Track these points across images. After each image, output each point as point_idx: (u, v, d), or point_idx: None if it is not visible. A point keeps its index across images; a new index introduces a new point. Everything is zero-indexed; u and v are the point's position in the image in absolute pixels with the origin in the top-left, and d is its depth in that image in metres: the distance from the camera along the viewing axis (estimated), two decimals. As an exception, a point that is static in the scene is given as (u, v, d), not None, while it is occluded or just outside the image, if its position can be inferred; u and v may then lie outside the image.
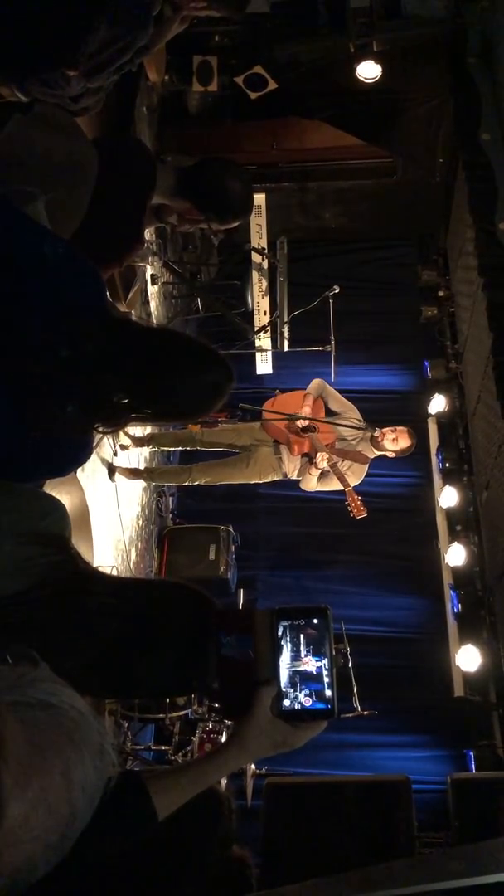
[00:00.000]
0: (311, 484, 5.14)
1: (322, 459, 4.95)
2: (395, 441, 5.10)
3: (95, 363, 1.52)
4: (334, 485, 5.09)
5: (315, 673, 1.22)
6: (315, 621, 1.23)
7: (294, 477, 5.29)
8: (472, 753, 5.89)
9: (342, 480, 4.96)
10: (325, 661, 1.22)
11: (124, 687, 1.53)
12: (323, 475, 5.11)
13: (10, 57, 1.91)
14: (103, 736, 0.85)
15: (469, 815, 4.82)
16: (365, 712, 5.06)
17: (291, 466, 5.24)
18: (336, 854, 4.11)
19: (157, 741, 5.37)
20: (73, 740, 0.79)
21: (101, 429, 1.63)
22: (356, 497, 4.93)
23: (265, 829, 4.40)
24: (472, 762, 5.85)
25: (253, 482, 5.47)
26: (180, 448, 6.04)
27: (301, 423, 5.14)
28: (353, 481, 5.07)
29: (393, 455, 5.19)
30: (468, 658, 5.77)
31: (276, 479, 5.37)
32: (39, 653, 0.92)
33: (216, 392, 1.73)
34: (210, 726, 5.02)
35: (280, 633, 1.22)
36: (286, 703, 1.22)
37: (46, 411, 1.48)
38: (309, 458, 5.14)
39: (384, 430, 5.12)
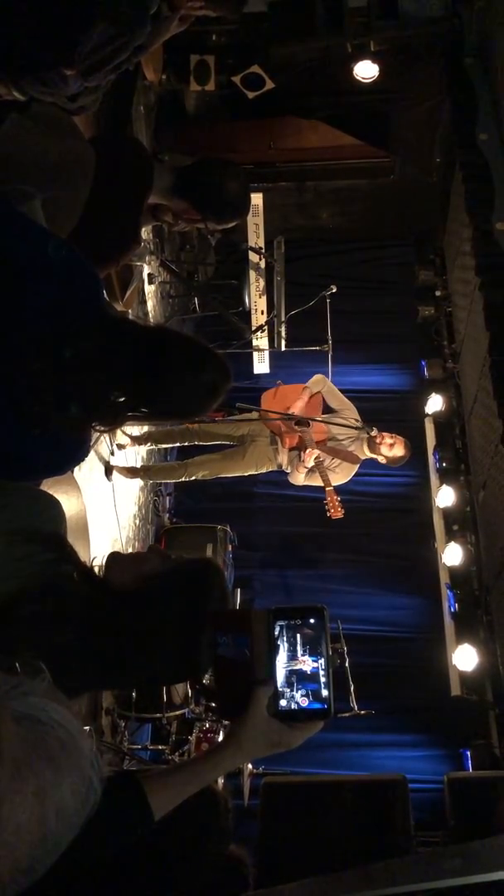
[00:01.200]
0: (299, 479, 5.18)
1: (309, 456, 4.97)
2: (391, 447, 5.11)
3: (93, 362, 1.52)
4: (317, 481, 5.11)
5: (311, 673, 1.21)
6: (312, 621, 1.22)
7: (287, 469, 5.32)
8: (468, 753, 5.89)
9: (324, 479, 4.98)
10: (322, 661, 1.21)
11: (117, 677, 1.53)
12: (311, 471, 5.13)
13: (7, 55, 1.91)
14: (92, 763, 0.82)
15: (465, 814, 4.83)
16: (362, 712, 5.06)
17: (285, 459, 5.27)
18: (333, 853, 4.12)
19: (154, 740, 5.37)
20: (53, 761, 0.77)
21: (98, 427, 1.63)
22: (335, 497, 4.95)
23: (262, 828, 4.40)
24: (469, 761, 5.85)
25: (249, 473, 5.48)
26: (178, 445, 6.05)
27: (296, 416, 5.16)
28: (339, 480, 5.09)
29: (384, 461, 5.19)
30: (465, 657, 5.77)
31: (271, 469, 5.39)
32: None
33: (213, 391, 1.73)
34: (207, 725, 5.02)
35: (277, 633, 1.22)
36: (283, 702, 1.21)
37: (45, 410, 1.48)
38: (298, 453, 5.17)
39: (383, 434, 5.12)
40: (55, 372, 1.48)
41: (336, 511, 4.93)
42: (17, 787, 0.72)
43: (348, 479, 5.19)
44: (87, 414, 1.56)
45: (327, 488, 4.96)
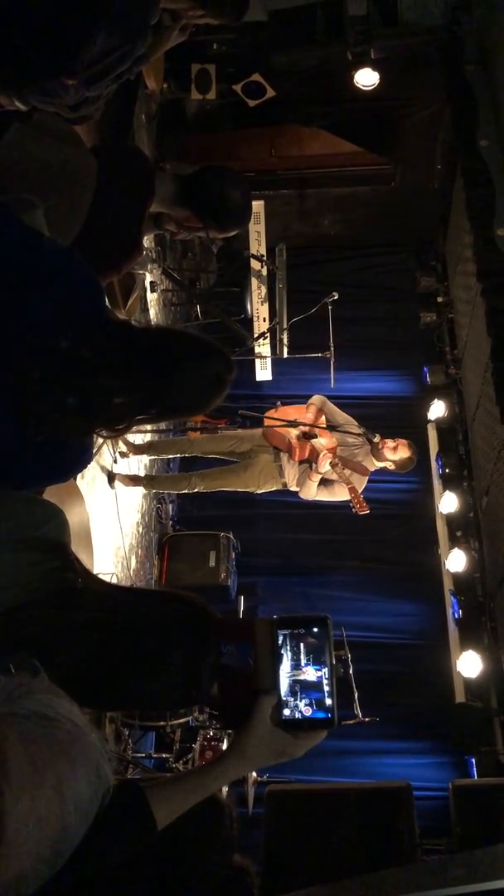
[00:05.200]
0: (311, 492, 5.13)
1: (325, 460, 4.93)
2: (394, 450, 5.10)
3: (94, 367, 1.52)
4: (336, 494, 5.09)
5: (315, 682, 1.21)
6: (315, 630, 1.22)
7: (293, 487, 5.28)
8: (473, 760, 5.87)
9: (344, 479, 4.96)
10: (326, 670, 1.21)
11: (118, 700, 1.52)
12: (324, 483, 5.09)
13: (9, 66, 1.92)
14: (101, 753, 0.84)
15: (470, 821, 4.80)
16: (366, 719, 5.05)
17: (291, 475, 5.24)
18: (337, 861, 4.10)
19: (157, 749, 5.36)
20: (66, 754, 0.78)
21: (103, 433, 1.63)
22: (359, 494, 4.94)
23: (266, 837, 4.38)
24: (474, 768, 5.83)
25: (251, 490, 5.46)
26: (179, 455, 6.05)
27: (302, 429, 5.14)
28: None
29: (393, 466, 5.18)
30: (469, 664, 5.75)
31: (275, 488, 5.36)
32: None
33: (218, 383, 1.72)
34: (211, 734, 5.01)
35: (280, 642, 1.22)
36: (286, 712, 1.21)
37: (46, 415, 1.48)
38: (309, 465, 5.14)
39: (385, 439, 5.12)
40: (57, 378, 1.48)
41: (361, 507, 4.93)
42: (36, 782, 0.74)
43: (360, 490, 5.17)
44: (90, 419, 1.55)
45: (349, 486, 4.95)
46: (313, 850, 4.21)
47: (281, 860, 4.19)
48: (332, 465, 4.97)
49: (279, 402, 5.62)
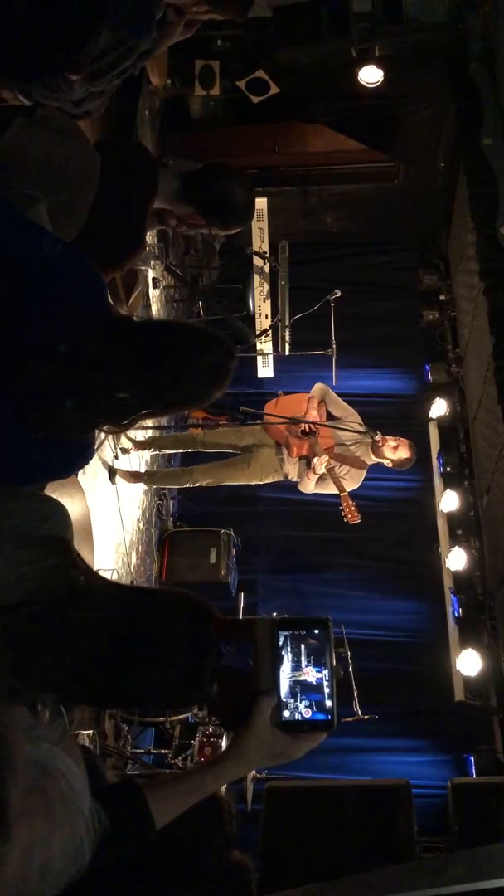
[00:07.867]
0: (309, 487, 5.16)
1: (320, 464, 4.96)
2: (395, 449, 5.09)
3: (96, 363, 1.52)
4: (332, 488, 5.09)
5: (315, 684, 1.21)
6: (316, 632, 1.22)
7: (294, 479, 5.30)
8: (472, 758, 5.88)
9: (338, 485, 4.97)
10: (326, 672, 1.21)
11: (117, 698, 1.52)
12: (321, 479, 5.11)
13: (13, 60, 1.91)
14: (88, 826, 0.78)
15: (469, 819, 4.82)
16: (365, 716, 5.05)
17: (292, 469, 5.25)
18: (336, 859, 4.11)
19: (157, 744, 5.37)
20: (50, 814, 0.73)
21: (106, 428, 1.62)
22: (351, 502, 4.94)
23: (265, 833, 4.39)
24: (473, 767, 5.83)
25: (254, 483, 5.47)
26: (181, 451, 6.05)
27: (301, 427, 5.15)
28: (351, 486, 5.08)
29: (390, 464, 5.17)
30: (469, 662, 5.75)
31: (276, 479, 5.38)
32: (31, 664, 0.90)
33: (219, 372, 1.72)
34: (210, 730, 5.01)
35: (281, 643, 1.22)
36: (286, 713, 1.21)
37: (48, 412, 1.48)
38: (307, 461, 5.15)
39: (386, 437, 5.11)
40: (56, 373, 1.47)
41: (353, 516, 4.94)
42: (6, 836, 0.68)
43: (358, 485, 5.18)
44: (92, 415, 1.55)
45: (342, 494, 4.96)
46: (312, 847, 4.22)
47: (279, 857, 4.20)
48: (328, 470, 4.98)
49: (280, 392, 5.62)
